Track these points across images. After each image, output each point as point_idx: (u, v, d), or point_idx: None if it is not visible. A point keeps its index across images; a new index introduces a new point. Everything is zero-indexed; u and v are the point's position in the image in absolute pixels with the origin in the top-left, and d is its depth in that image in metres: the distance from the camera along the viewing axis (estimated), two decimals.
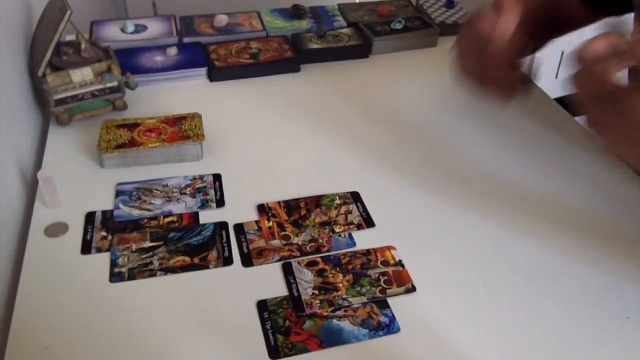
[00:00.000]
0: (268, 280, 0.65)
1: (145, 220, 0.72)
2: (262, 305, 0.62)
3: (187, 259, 0.67)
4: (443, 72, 1.04)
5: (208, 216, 0.73)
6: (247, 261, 0.67)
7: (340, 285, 0.65)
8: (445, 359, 0.58)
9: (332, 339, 0.59)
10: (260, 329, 0.60)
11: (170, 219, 0.72)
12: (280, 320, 0.61)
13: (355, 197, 0.77)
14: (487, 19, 0.69)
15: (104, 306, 0.62)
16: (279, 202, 0.75)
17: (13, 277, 0.67)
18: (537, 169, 0.82)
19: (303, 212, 0.74)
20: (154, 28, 1.08)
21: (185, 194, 0.76)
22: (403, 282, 0.65)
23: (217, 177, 0.79)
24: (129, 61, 0.99)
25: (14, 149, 0.76)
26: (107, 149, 0.79)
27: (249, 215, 0.73)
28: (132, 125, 0.83)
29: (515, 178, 0.81)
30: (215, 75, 1.00)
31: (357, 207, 0.75)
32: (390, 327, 0.60)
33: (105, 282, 0.64)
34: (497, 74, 0.71)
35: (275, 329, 0.60)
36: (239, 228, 0.72)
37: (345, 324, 0.61)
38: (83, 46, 0.86)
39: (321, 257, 0.68)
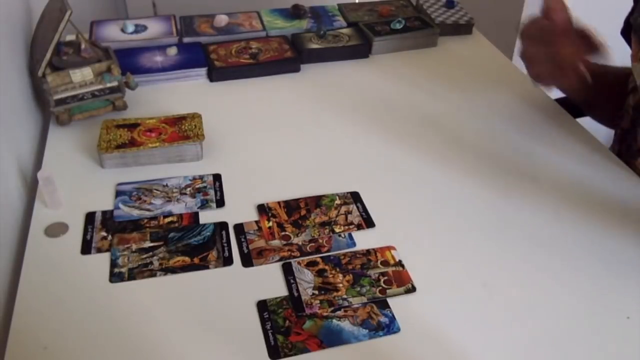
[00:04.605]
0: (268, 281, 0.65)
1: (145, 220, 0.72)
2: (262, 305, 0.62)
3: (187, 259, 0.67)
4: (443, 72, 1.05)
5: (208, 216, 0.73)
6: (247, 261, 0.67)
7: (340, 285, 0.65)
8: (445, 359, 0.58)
9: (332, 339, 0.59)
10: (260, 329, 0.60)
11: (170, 219, 0.72)
12: (280, 321, 0.61)
13: (355, 197, 0.77)
14: (546, 24, 0.78)
15: (104, 306, 0.62)
16: (279, 202, 0.75)
17: (13, 277, 0.67)
18: (538, 170, 0.82)
19: (303, 212, 0.74)
20: (154, 28, 1.08)
21: (185, 194, 0.76)
22: (403, 282, 0.65)
23: (217, 177, 0.79)
24: (129, 61, 0.99)
25: (14, 149, 0.76)
26: (107, 149, 0.79)
27: (249, 215, 0.73)
28: (132, 125, 0.83)
29: (516, 179, 0.81)
30: (215, 75, 1.00)
31: (357, 207, 0.75)
32: (390, 327, 0.60)
33: (105, 282, 0.64)
34: (570, 66, 0.78)
35: (275, 329, 0.60)
36: (239, 228, 0.72)
37: (345, 324, 0.61)
38: (83, 46, 0.86)
39: (321, 257, 0.68)
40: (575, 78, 0.77)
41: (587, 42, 0.76)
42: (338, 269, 0.66)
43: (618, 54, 0.82)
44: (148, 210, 0.73)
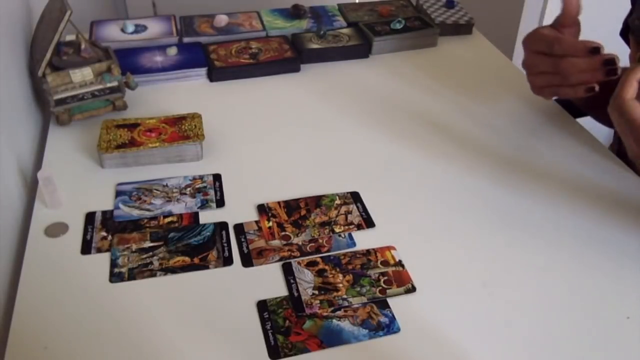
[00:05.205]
0: (268, 280, 0.65)
1: (145, 220, 0.72)
2: (262, 305, 0.62)
3: (187, 259, 0.67)
4: (443, 72, 1.05)
5: (208, 216, 0.73)
6: (247, 261, 0.67)
7: (340, 285, 0.65)
8: (445, 359, 0.58)
9: (332, 339, 0.59)
10: (260, 329, 0.60)
11: (170, 219, 0.72)
12: (280, 321, 0.61)
13: (355, 197, 0.77)
14: (552, 36, 0.75)
15: (104, 306, 0.62)
16: (279, 202, 0.75)
17: (13, 277, 0.67)
18: (538, 170, 0.82)
19: (303, 212, 0.74)
20: (154, 28, 1.08)
21: (185, 194, 0.76)
22: (403, 282, 0.65)
23: (217, 177, 0.79)
24: (129, 61, 0.99)
25: (14, 149, 0.76)
26: (107, 149, 0.79)
27: (249, 215, 0.73)
28: (132, 125, 0.83)
29: (516, 178, 0.81)
30: (215, 75, 1.00)
31: (357, 207, 0.75)
32: (390, 327, 0.60)
33: (105, 282, 0.64)
34: (577, 79, 0.75)
35: (275, 329, 0.60)
36: (239, 228, 0.72)
37: (345, 324, 0.61)
38: (83, 46, 0.86)
39: (321, 257, 0.68)
40: (583, 91, 0.75)
41: (597, 58, 0.74)
42: (338, 269, 0.66)
43: (617, 54, 0.82)
44: (148, 210, 0.73)
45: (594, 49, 0.72)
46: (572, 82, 0.75)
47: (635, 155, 0.71)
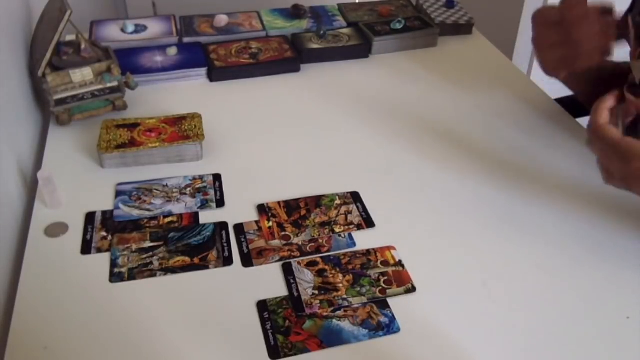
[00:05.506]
0: (268, 280, 0.65)
1: (145, 220, 0.72)
2: (262, 305, 0.62)
3: (187, 259, 0.67)
4: (443, 72, 1.05)
5: (208, 216, 0.73)
6: (247, 261, 0.67)
7: (340, 285, 0.65)
8: (445, 359, 0.58)
9: (332, 339, 0.59)
10: (260, 329, 0.60)
11: (170, 219, 0.72)
12: (280, 321, 0.61)
13: (355, 197, 0.77)
14: (562, 5, 0.73)
15: (104, 306, 0.62)
16: (279, 202, 0.75)
17: (13, 277, 0.67)
18: (538, 169, 0.82)
19: (303, 212, 0.74)
20: (154, 28, 1.08)
21: (185, 194, 0.76)
22: (403, 282, 0.65)
23: (217, 177, 0.79)
24: (129, 61, 0.99)
25: (14, 149, 0.76)
26: (107, 149, 0.79)
27: (249, 215, 0.73)
28: (132, 125, 0.83)
29: (516, 178, 0.81)
30: (215, 75, 1.00)
31: (357, 207, 0.75)
32: (390, 327, 0.60)
33: (105, 282, 0.64)
34: (591, 44, 0.73)
35: (275, 329, 0.60)
36: (239, 228, 0.72)
37: (345, 324, 0.61)
38: (83, 46, 0.86)
39: (321, 257, 0.68)
40: (599, 55, 0.73)
41: (610, 19, 0.72)
42: (338, 269, 0.66)
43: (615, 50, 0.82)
44: (148, 210, 0.73)
45: (607, 9, 0.71)
46: (586, 48, 0.73)
47: (626, 175, 0.67)
